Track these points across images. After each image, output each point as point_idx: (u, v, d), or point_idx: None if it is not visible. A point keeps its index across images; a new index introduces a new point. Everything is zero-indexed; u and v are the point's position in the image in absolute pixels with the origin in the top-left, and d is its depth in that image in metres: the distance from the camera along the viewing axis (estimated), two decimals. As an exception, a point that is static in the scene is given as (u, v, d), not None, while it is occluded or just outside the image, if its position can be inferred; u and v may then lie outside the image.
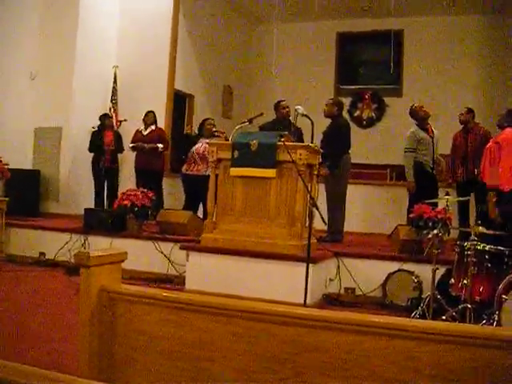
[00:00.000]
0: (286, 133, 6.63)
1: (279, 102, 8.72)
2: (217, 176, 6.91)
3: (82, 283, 2.66)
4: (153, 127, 10.26)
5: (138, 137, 10.19)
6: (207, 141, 7.96)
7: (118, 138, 10.48)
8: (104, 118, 10.53)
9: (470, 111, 8.82)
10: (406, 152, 8.29)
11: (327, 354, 2.28)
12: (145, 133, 10.20)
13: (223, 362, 2.46)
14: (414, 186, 8.21)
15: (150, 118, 10.25)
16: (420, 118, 8.43)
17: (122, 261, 2.82)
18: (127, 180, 10.54)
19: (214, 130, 9.12)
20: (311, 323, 2.31)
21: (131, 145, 10.16)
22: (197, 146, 9.15)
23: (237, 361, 2.43)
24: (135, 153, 10.26)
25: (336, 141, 8.14)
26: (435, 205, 6.97)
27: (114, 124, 10.86)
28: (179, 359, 2.54)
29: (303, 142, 7.46)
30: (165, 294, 2.65)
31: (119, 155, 10.63)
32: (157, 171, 10.20)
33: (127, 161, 10.70)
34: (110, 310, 2.68)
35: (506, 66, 11.89)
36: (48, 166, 10.92)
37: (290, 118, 8.12)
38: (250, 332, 2.41)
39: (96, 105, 11.23)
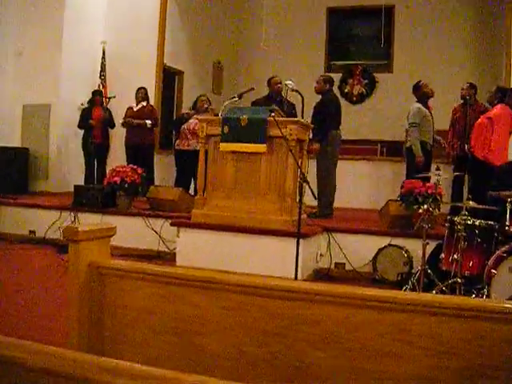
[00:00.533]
0: (277, 108, 6.59)
1: (272, 77, 8.68)
2: (207, 152, 6.88)
3: (71, 258, 2.64)
4: (144, 103, 10.20)
5: (128, 113, 10.13)
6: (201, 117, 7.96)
7: (109, 114, 10.40)
8: (96, 93, 10.45)
9: (473, 87, 8.73)
10: (411, 127, 8.14)
11: (318, 327, 2.27)
12: (135, 109, 10.14)
13: (214, 336, 2.45)
14: (423, 161, 8.09)
15: (141, 93, 10.19)
16: (424, 95, 8.33)
17: (111, 236, 2.79)
18: (118, 156, 10.49)
19: (206, 106, 9.13)
20: (302, 296, 2.31)
21: (121, 121, 10.10)
22: (189, 121, 9.19)
23: (227, 335, 2.43)
24: (125, 129, 10.20)
25: (325, 116, 8.10)
26: (428, 180, 6.97)
27: (103, 100, 10.80)
28: (169, 334, 2.53)
29: (297, 117, 7.41)
30: (154, 269, 2.63)
31: (110, 131, 10.55)
32: (147, 147, 10.15)
33: (118, 137, 10.63)
34: (99, 285, 2.66)
35: (496, 41, 11.84)
36: (37, 144, 10.85)
37: (283, 93, 8.08)
38: (241, 306, 2.40)
39: (85, 81, 11.15)
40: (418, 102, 8.30)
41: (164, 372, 1.26)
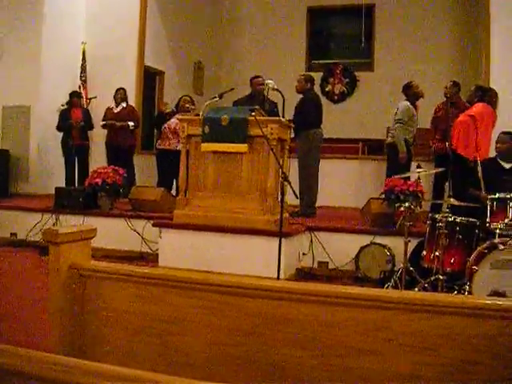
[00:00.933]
0: (257, 107, 6.58)
1: (254, 77, 8.66)
2: (188, 152, 6.87)
3: (51, 261, 2.63)
4: (124, 104, 10.16)
5: (108, 114, 10.08)
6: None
7: (87, 115, 10.35)
8: (73, 95, 10.39)
9: (456, 85, 8.76)
10: (398, 123, 8.14)
11: (298, 325, 2.28)
12: (115, 110, 10.09)
13: (194, 337, 2.45)
14: (406, 157, 8.13)
15: (120, 94, 10.14)
16: (414, 95, 8.37)
17: (92, 237, 2.78)
18: (99, 158, 10.45)
19: (187, 105, 9.12)
20: (281, 295, 2.31)
21: (102, 123, 10.06)
22: (170, 121, 9.20)
23: (207, 335, 2.43)
24: (106, 130, 10.15)
25: (306, 115, 8.11)
26: (408, 178, 7.01)
27: (84, 101, 10.75)
28: (150, 335, 2.53)
29: (279, 116, 7.41)
30: (134, 270, 2.63)
31: (89, 132, 10.50)
32: (128, 148, 10.13)
33: (98, 138, 10.58)
34: (79, 287, 2.65)
35: (477, 39, 11.92)
36: (17, 146, 10.77)
37: (264, 92, 8.08)
38: (220, 306, 2.40)
39: (65, 82, 11.08)
40: (408, 101, 8.34)
41: (150, 375, 1.26)
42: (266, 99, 8.10)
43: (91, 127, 10.43)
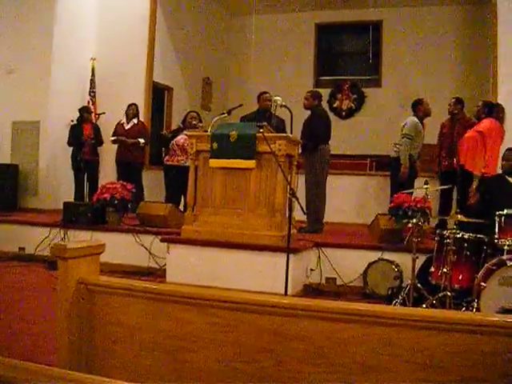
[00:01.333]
0: (265, 123, 6.61)
1: (262, 93, 8.70)
2: (196, 168, 6.89)
3: (60, 276, 2.64)
4: (135, 121, 10.20)
5: (119, 130, 10.13)
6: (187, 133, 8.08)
7: (97, 130, 10.40)
8: (83, 110, 10.45)
9: (459, 102, 8.80)
10: (405, 138, 8.18)
11: (307, 342, 2.28)
12: (127, 127, 10.12)
13: (203, 353, 2.45)
14: (407, 173, 8.15)
15: (132, 110, 10.19)
16: (423, 112, 8.40)
17: (100, 253, 2.79)
18: (108, 173, 10.49)
19: (194, 122, 9.14)
20: (290, 312, 2.31)
21: (112, 138, 10.10)
22: (178, 137, 9.24)
23: (217, 351, 2.43)
24: (117, 145, 10.19)
25: (315, 131, 8.13)
26: (411, 194, 7.03)
27: (93, 117, 10.81)
28: (159, 351, 2.52)
29: (286, 132, 7.43)
30: (143, 285, 2.63)
31: (99, 148, 10.54)
32: (137, 164, 10.17)
33: (108, 153, 10.62)
34: (88, 302, 2.66)
35: (483, 56, 11.95)
36: (26, 161, 10.84)
37: (272, 109, 8.12)
38: (230, 322, 2.40)
39: (74, 98, 11.15)
40: (415, 116, 8.36)
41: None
42: (273, 115, 8.14)
43: (101, 143, 10.47)
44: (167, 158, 9.44)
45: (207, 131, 6.97)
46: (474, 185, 7.05)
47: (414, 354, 2.14)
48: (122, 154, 10.10)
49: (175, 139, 9.25)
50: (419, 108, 8.40)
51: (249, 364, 2.36)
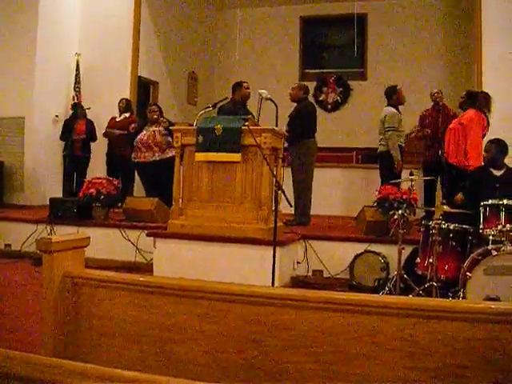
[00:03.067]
0: (250, 116, 6.60)
1: (241, 81, 8.51)
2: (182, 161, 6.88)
3: (45, 269, 2.64)
4: (127, 115, 10.11)
5: (111, 124, 10.08)
6: (152, 128, 8.63)
7: (92, 126, 10.34)
8: (76, 106, 10.41)
9: (441, 92, 8.91)
10: (389, 131, 8.13)
11: (292, 331, 2.29)
12: (117, 119, 10.09)
13: (190, 344, 2.45)
14: (402, 164, 8.13)
15: (122, 104, 10.14)
16: (398, 100, 8.36)
17: (85, 246, 2.79)
18: (98, 168, 10.42)
19: (155, 117, 8.92)
20: (275, 302, 2.33)
21: (103, 131, 10.05)
22: (140, 134, 8.93)
23: (204, 342, 2.43)
24: (107, 140, 10.14)
25: (300, 124, 8.12)
26: (399, 185, 7.05)
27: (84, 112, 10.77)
28: (146, 343, 2.53)
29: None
30: (128, 278, 2.64)
31: (92, 144, 10.47)
32: (127, 158, 10.07)
33: (99, 149, 10.54)
34: (73, 295, 2.66)
35: (467, 47, 12.01)
36: (12, 157, 10.77)
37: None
38: (216, 313, 2.41)
39: (59, 93, 11.12)
40: (390, 105, 8.33)
41: (134, 374, 1.27)
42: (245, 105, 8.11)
43: (95, 139, 10.39)
44: (133, 154, 9.00)
45: (192, 125, 6.94)
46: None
47: (398, 342, 2.16)
48: (112, 148, 10.04)
49: (139, 136, 8.91)
50: (394, 96, 8.37)
51: (235, 354, 2.37)
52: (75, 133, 10.04)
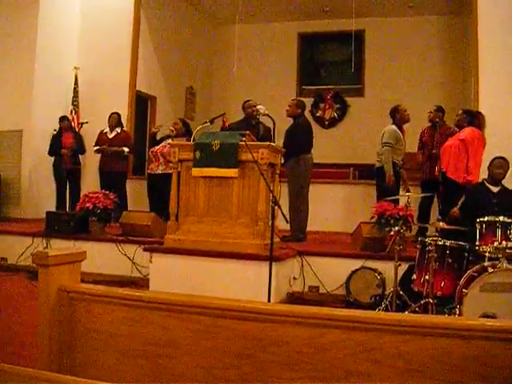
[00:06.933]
0: (248, 132, 6.62)
1: (246, 101, 8.71)
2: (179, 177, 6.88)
3: (41, 283, 2.63)
4: (118, 130, 10.12)
5: (102, 139, 10.06)
6: (168, 141, 8.35)
7: (79, 139, 10.36)
8: (62, 120, 10.41)
9: (440, 110, 8.93)
10: (385, 146, 8.12)
11: (288, 347, 2.29)
12: (110, 136, 10.05)
13: (185, 360, 2.45)
14: (394, 180, 8.12)
15: (113, 119, 10.12)
16: (401, 119, 8.37)
17: (81, 260, 2.79)
18: (91, 182, 10.44)
19: (173, 130, 8.98)
20: (270, 317, 2.32)
21: (95, 148, 10.02)
22: (160, 145, 9.12)
23: (198, 358, 2.43)
24: (100, 155, 10.14)
25: (297, 140, 8.14)
26: (397, 202, 7.05)
27: (76, 126, 10.77)
28: (141, 358, 2.52)
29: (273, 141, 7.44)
30: (124, 292, 2.63)
31: (82, 157, 10.50)
32: (121, 173, 10.10)
33: (91, 162, 10.58)
34: (69, 309, 2.65)
35: (464, 65, 12.06)
36: (8, 170, 10.77)
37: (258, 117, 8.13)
38: (211, 329, 2.41)
39: (57, 107, 11.12)
40: (395, 124, 8.36)
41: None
42: (260, 124, 8.17)
43: (83, 151, 10.43)
44: (146, 165, 9.14)
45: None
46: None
47: (393, 359, 2.16)
48: (106, 163, 10.01)
49: (155, 147, 9.14)
50: (396, 115, 8.41)
51: (230, 370, 2.36)
52: (64, 146, 10.04)
